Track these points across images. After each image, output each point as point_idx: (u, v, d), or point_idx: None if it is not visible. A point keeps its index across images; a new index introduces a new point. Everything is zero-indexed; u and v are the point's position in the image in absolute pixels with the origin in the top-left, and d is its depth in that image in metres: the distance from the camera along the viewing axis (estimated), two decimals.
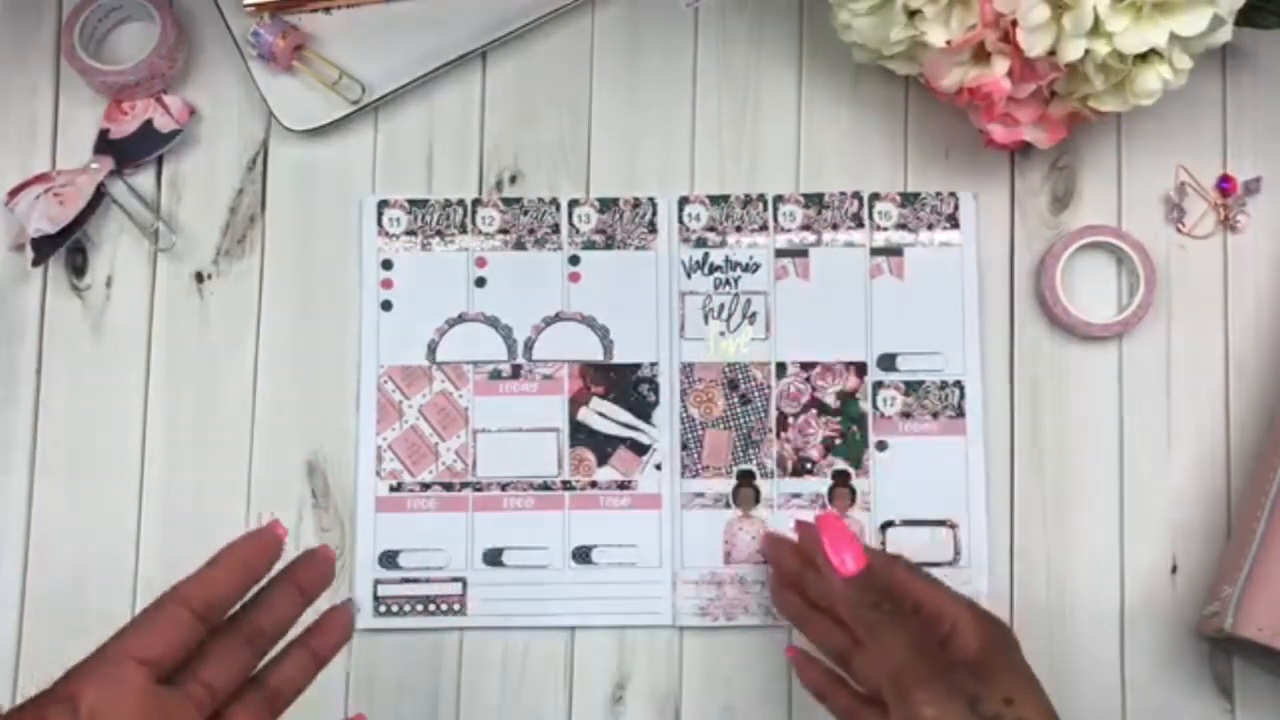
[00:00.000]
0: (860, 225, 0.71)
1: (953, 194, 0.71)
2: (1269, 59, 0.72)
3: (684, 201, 0.71)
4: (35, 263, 0.69)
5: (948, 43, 0.63)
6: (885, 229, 0.71)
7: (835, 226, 0.71)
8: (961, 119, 0.69)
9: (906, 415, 0.69)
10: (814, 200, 0.71)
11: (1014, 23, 0.61)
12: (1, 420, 0.70)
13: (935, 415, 0.69)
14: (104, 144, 0.71)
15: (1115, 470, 0.69)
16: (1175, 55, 0.62)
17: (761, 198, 0.71)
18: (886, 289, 0.70)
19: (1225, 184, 0.71)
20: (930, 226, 0.71)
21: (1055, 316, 0.70)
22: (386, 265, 0.71)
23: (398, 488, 0.69)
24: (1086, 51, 0.61)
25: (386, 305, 0.70)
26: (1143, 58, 0.62)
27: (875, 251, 0.71)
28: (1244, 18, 0.64)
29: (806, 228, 0.71)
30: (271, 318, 0.71)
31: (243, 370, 0.70)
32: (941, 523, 0.69)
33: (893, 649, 0.55)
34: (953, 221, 0.71)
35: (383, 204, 0.71)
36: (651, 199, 0.71)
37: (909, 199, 0.71)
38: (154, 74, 0.71)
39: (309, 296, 0.71)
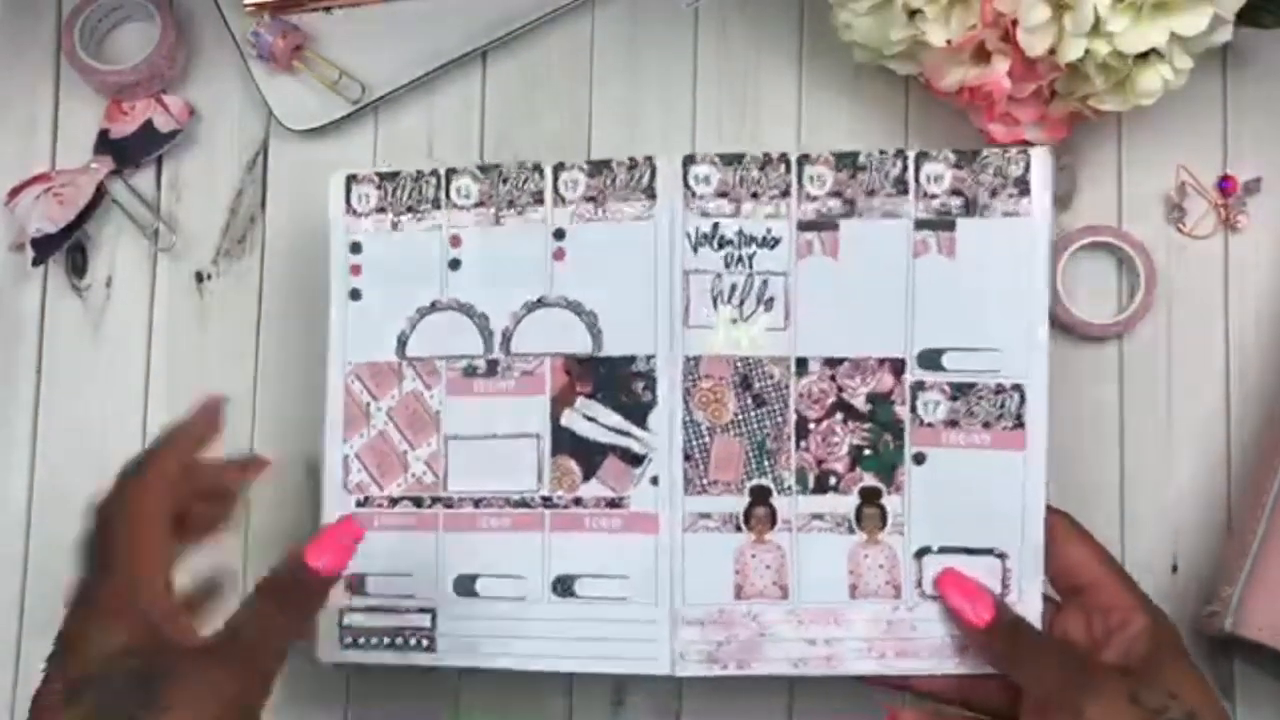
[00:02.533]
0: (904, 191, 0.60)
1: (1023, 151, 0.60)
2: (1269, 59, 0.72)
3: (689, 161, 0.61)
4: (35, 263, 0.69)
5: (948, 42, 0.63)
6: (935, 196, 0.60)
7: (872, 193, 0.60)
8: (961, 119, 0.69)
9: (952, 424, 0.59)
10: (846, 161, 0.60)
11: (1014, 22, 0.61)
12: (1, 420, 0.70)
13: (988, 425, 0.59)
14: (104, 144, 0.71)
15: (1115, 470, 0.69)
16: (1175, 55, 0.62)
17: (784, 157, 0.60)
18: (933, 270, 0.59)
19: (1225, 184, 0.71)
20: (993, 193, 0.59)
21: (1055, 316, 0.70)
22: (355, 249, 0.63)
23: (365, 502, 0.61)
24: (1086, 51, 0.61)
25: (355, 294, 0.63)
26: (1143, 57, 0.62)
27: (920, 225, 0.59)
28: (1244, 17, 0.64)
29: (837, 194, 0.60)
30: (271, 318, 0.71)
31: (243, 370, 0.70)
32: (988, 551, 0.58)
33: (1046, 672, 0.55)
34: (1021, 186, 0.60)
35: (351, 179, 0.64)
36: (650, 158, 0.61)
37: (966, 158, 0.60)
38: (154, 74, 0.71)
39: (309, 296, 0.71)
